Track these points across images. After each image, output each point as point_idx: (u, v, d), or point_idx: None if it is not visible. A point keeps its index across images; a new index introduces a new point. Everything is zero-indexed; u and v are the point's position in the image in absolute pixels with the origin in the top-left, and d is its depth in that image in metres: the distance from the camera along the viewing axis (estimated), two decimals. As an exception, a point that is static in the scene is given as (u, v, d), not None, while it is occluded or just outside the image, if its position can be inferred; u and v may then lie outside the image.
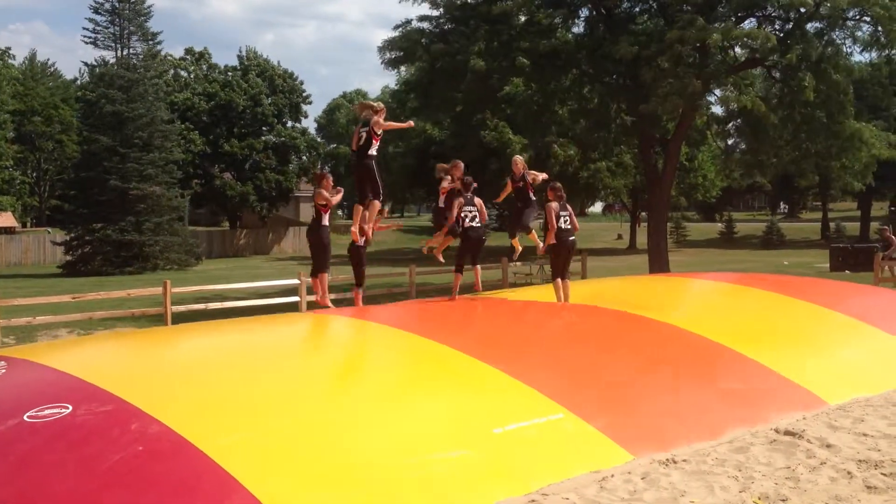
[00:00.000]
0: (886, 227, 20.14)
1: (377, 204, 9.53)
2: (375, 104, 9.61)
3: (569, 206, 10.58)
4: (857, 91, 21.43)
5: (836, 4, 18.55)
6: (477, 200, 10.25)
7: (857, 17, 19.87)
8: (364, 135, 9.42)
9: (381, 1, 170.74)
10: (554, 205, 10.31)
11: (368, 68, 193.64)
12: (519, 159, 10.78)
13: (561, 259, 10.45)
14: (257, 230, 55.06)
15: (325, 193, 9.57)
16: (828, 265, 28.45)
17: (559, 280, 10.40)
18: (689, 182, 48.74)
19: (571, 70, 22.19)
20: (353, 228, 9.90)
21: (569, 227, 10.40)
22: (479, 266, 10.61)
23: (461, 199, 10.00)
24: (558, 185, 10.71)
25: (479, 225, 10.09)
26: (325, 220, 9.69)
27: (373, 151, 9.31)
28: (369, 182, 9.45)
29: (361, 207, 9.65)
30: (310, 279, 10.57)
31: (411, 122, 11.07)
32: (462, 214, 9.95)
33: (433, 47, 21.21)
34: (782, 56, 19.41)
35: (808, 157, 22.04)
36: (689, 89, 18.76)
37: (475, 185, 10.29)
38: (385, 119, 9.55)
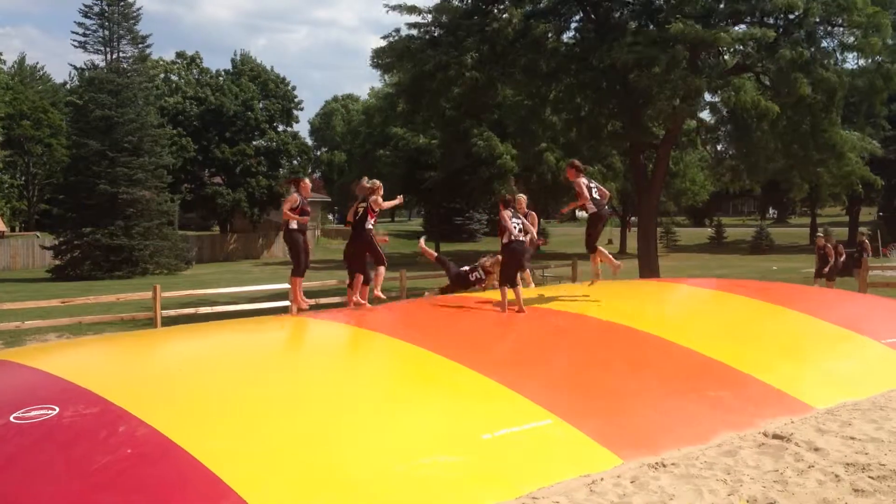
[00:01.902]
0: (867, 232, 20.26)
1: (382, 270, 10.03)
2: (375, 184, 9.99)
3: (593, 179, 10.47)
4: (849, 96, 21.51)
5: (811, 14, 18.70)
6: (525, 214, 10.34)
7: (840, 24, 19.97)
8: (361, 210, 9.85)
9: (373, 6, 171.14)
10: (582, 179, 10.10)
11: (361, 73, 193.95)
12: (523, 198, 10.72)
13: (598, 230, 10.34)
14: (247, 234, 54.92)
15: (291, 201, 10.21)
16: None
17: (595, 252, 10.36)
18: (675, 187, 48.80)
19: (562, 78, 22.15)
20: (353, 298, 10.12)
21: (599, 197, 10.17)
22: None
23: (508, 212, 9.93)
24: (577, 162, 10.45)
25: (523, 239, 9.94)
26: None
27: (369, 225, 9.76)
28: (371, 252, 9.95)
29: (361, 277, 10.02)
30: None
31: (401, 198, 11.72)
32: (511, 225, 9.85)
33: (423, 60, 21.07)
34: (772, 54, 19.48)
35: (798, 164, 22.12)
36: (687, 90, 18.79)
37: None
38: (382, 197, 9.99)
